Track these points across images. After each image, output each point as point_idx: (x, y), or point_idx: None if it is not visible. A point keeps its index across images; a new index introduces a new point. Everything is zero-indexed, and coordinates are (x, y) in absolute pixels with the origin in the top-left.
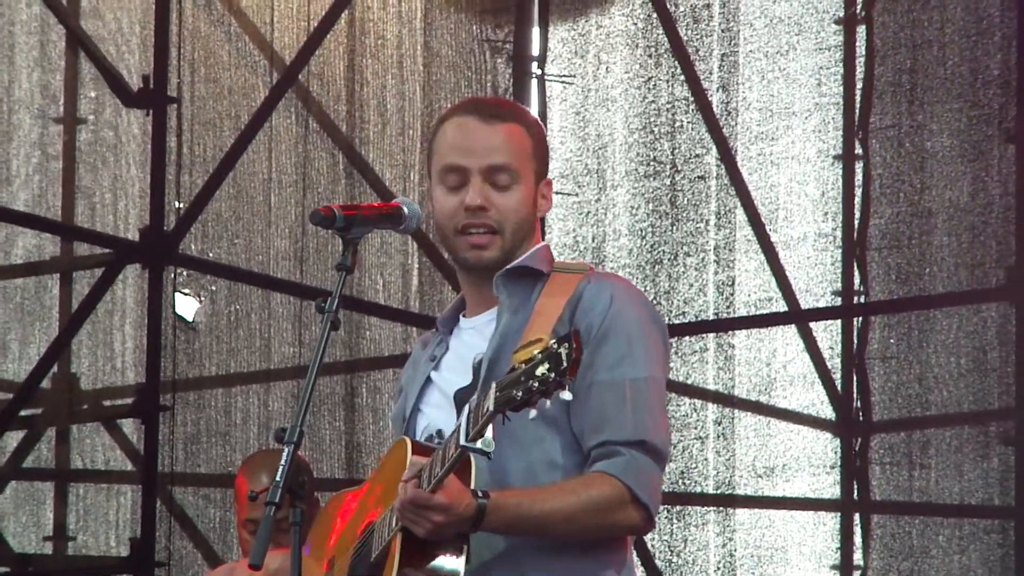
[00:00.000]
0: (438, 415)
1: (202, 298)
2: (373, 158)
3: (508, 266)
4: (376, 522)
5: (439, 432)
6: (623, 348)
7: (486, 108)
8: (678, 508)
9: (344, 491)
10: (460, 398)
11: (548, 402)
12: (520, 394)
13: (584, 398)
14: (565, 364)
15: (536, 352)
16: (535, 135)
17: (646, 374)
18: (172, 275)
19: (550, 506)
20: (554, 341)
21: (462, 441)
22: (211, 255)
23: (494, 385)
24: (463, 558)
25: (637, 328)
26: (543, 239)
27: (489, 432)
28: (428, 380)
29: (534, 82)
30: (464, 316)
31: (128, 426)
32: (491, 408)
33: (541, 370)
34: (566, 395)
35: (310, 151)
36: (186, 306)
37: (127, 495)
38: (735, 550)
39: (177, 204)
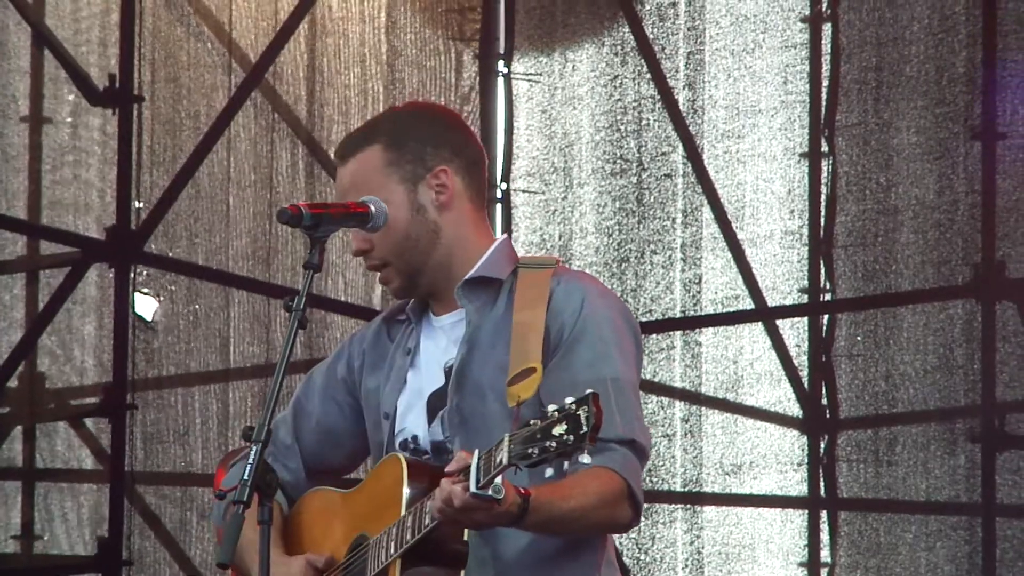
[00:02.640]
0: (412, 419)
1: (162, 298)
2: (335, 157)
3: (465, 278)
4: (371, 540)
5: (414, 438)
6: (597, 348)
7: (342, 148)
8: (645, 506)
9: (326, 488)
10: (432, 403)
11: (566, 464)
12: (536, 452)
13: (564, 398)
14: (585, 429)
15: (552, 409)
16: (392, 141)
17: (624, 375)
18: (138, 274)
19: (572, 504)
20: (572, 401)
21: (472, 489)
22: (171, 254)
23: (507, 438)
24: None
25: (610, 330)
26: (502, 232)
27: (499, 479)
28: (404, 381)
29: (500, 80)
30: (433, 313)
31: (93, 425)
32: (504, 462)
33: (559, 430)
34: (585, 459)
35: (272, 150)
36: (145, 306)
37: (94, 494)
38: (703, 547)
39: (137, 204)
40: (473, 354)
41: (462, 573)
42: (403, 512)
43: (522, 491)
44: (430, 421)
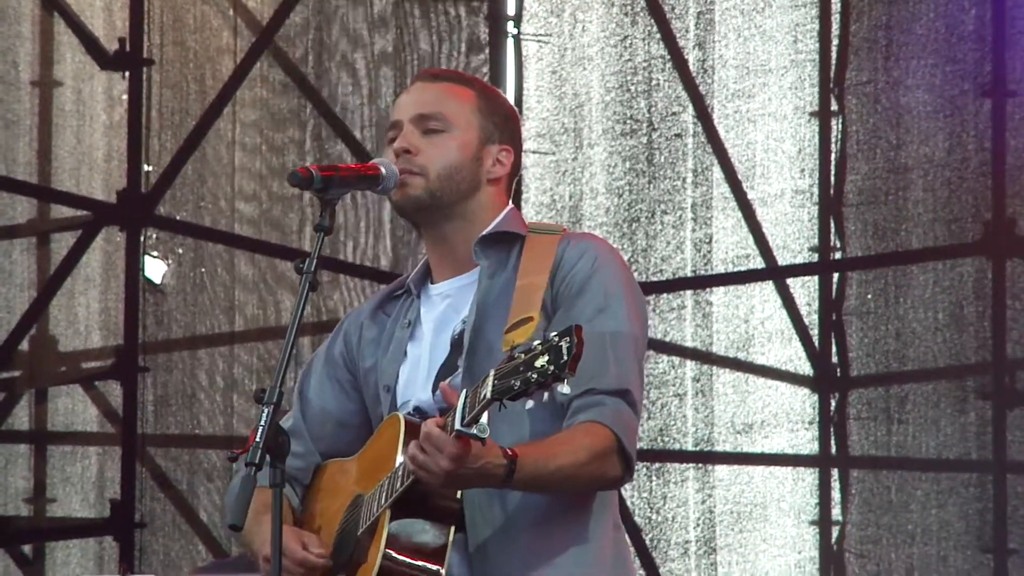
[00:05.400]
0: (414, 390)
1: (170, 261)
2: (345, 120)
3: (485, 232)
4: (365, 496)
5: (416, 408)
6: (600, 301)
7: (435, 71)
8: (657, 465)
9: (333, 460)
10: (442, 374)
11: (546, 394)
12: (518, 384)
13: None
14: (566, 358)
15: (536, 343)
16: (488, 100)
17: (625, 329)
18: (150, 237)
19: (559, 462)
20: (555, 334)
21: (457, 426)
22: (178, 217)
23: (492, 372)
24: (450, 534)
25: (616, 285)
26: (513, 201)
27: (484, 417)
28: (404, 353)
29: (510, 41)
30: (432, 282)
31: (104, 388)
32: (488, 396)
33: (541, 362)
34: (564, 389)
35: (280, 113)
36: (154, 269)
37: (102, 457)
38: (714, 506)
39: (147, 167)
40: (484, 320)
41: (452, 529)
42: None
43: (509, 452)
44: (435, 388)
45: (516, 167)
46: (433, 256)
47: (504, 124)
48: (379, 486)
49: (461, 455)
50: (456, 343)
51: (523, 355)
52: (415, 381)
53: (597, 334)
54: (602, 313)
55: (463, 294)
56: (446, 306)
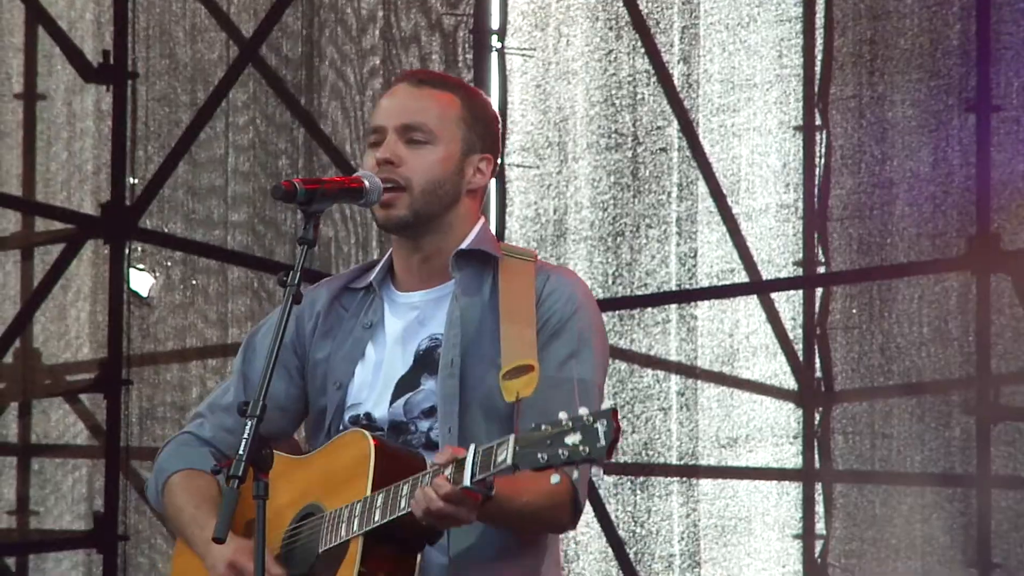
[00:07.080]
0: (367, 395)
1: (157, 273)
2: (331, 132)
3: (462, 247)
4: (326, 511)
5: (367, 415)
6: (574, 346)
7: (421, 75)
8: (641, 479)
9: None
10: (401, 386)
11: (575, 472)
12: (545, 458)
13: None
14: (603, 443)
15: (564, 417)
16: (472, 108)
17: (591, 377)
18: (133, 250)
19: (525, 499)
20: (589, 413)
21: (466, 482)
22: (166, 229)
23: (513, 438)
24: (416, 561)
25: (589, 330)
26: (497, 216)
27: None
28: (362, 353)
29: (494, 55)
30: (396, 288)
31: (88, 401)
32: (508, 462)
33: (572, 440)
34: (598, 471)
35: (268, 125)
36: (140, 281)
37: (88, 469)
38: (699, 520)
39: (132, 180)
40: (463, 342)
41: (419, 557)
42: (368, 491)
43: (489, 483)
44: (392, 401)
45: (494, 172)
46: (402, 263)
47: (486, 132)
48: (347, 508)
49: (474, 505)
50: (421, 359)
51: (548, 428)
52: (372, 386)
53: (567, 379)
54: (573, 358)
55: (432, 308)
56: (413, 318)
